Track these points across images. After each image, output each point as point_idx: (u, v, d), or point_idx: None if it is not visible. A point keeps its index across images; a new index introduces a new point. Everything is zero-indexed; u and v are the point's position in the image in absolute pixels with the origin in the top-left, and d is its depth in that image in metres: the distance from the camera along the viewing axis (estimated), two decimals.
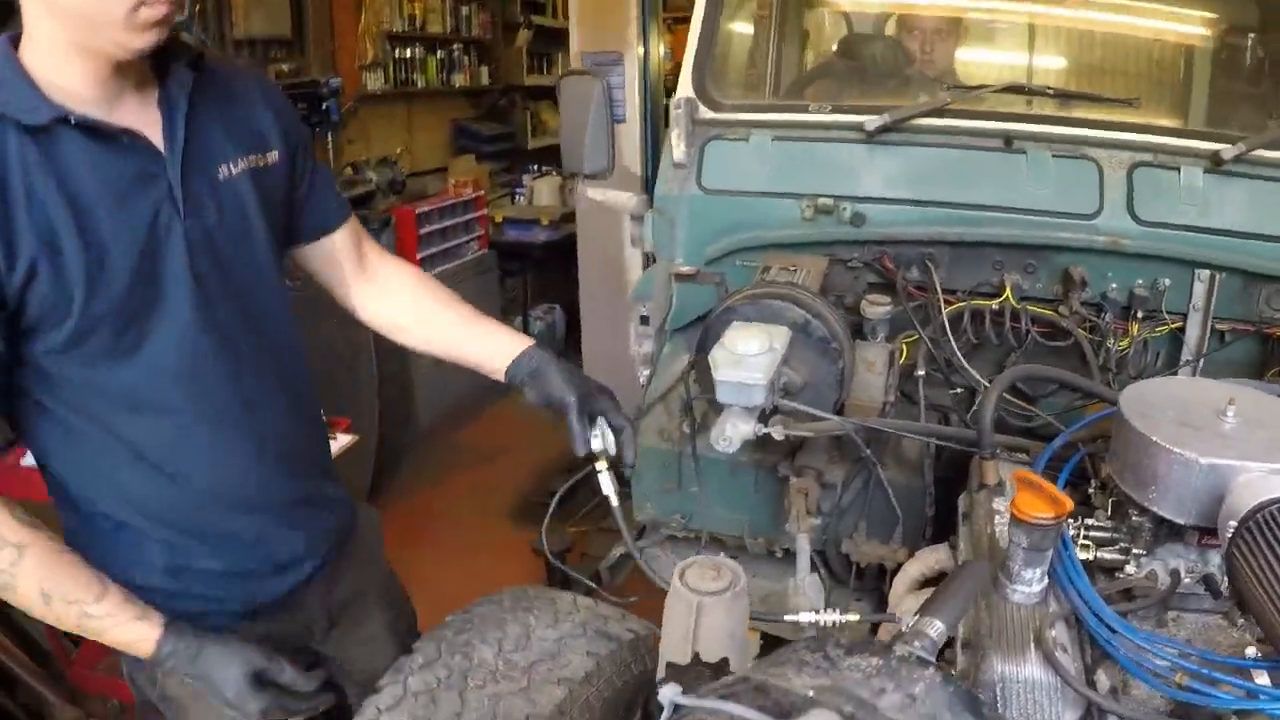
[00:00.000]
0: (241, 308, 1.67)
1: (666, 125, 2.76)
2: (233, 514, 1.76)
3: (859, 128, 2.55)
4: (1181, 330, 2.47)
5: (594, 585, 2.67)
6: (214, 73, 1.64)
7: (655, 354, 2.81)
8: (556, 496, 2.51)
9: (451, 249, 6.39)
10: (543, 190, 7.69)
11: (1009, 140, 2.52)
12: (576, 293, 5.83)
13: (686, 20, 2.97)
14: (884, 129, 2.53)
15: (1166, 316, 2.45)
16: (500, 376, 1.89)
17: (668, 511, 2.63)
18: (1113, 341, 2.41)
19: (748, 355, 1.93)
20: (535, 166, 8.05)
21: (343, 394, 5.03)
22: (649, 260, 2.94)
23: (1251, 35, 3.12)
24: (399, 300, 1.97)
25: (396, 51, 7.25)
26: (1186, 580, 1.56)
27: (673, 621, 1.48)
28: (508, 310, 7.21)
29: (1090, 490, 1.81)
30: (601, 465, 1.81)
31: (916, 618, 1.09)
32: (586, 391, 1.82)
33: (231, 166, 1.63)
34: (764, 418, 2.03)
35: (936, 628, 1.07)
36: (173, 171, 1.53)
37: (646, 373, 2.76)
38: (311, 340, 4.75)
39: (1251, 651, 1.38)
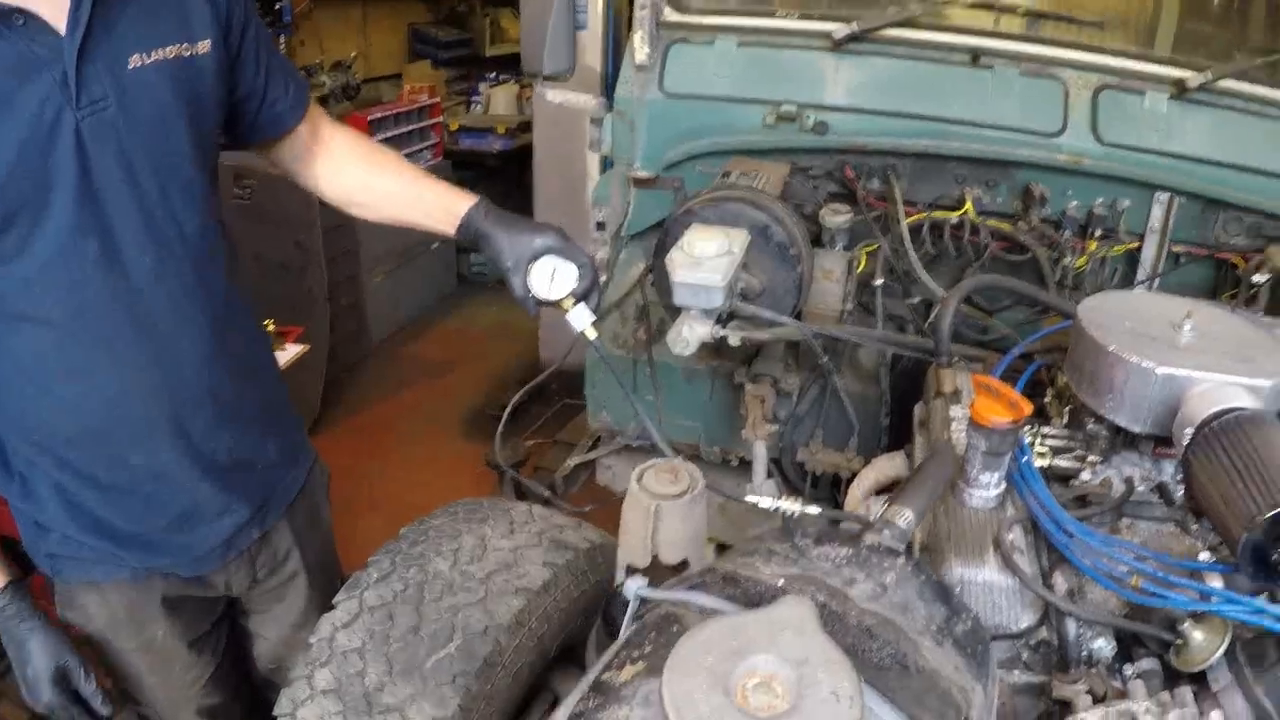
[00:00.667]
0: (146, 217, 1.50)
1: (629, 31, 2.70)
2: (126, 458, 1.61)
3: (826, 35, 2.52)
4: (1138, 251, 2.52)
5: (549, 494, 2.66)
6: None
7: (611, 260, 2.78)
8: (508, 409, 2.48)
9: (405, 157, 6.17)
10: (499, 99, 7.53)
11: (976, 56, 2.52)
12: (531, 203, 5.74)
13: None
14: (851, 38, 2.51)
15: (1124, 236, 2.50)
16: (452, 234, 1.84)
17: (623, 420, 2.62)
18: (1070, 258, 2.43)
19: (705, 257, 1.91)
20: (493, 75, 7.87)
21: (293, 304, 4.93)
22: (607, 165, 2.89)
23: None
24: (352, 171, 1.89)
25: None
26: (1140, 488, 1.60)
27: (631, 525, 1.47)
28: None
29: (1046, 400, 1.84)
30: (568, 303, 1.75)
31: (885, 506, 1.08)
32: (530, 252, 1.74)
33: (145, 56, 1.44)
34: (721, 321, 2.02)
35: (906, 517, 1.07)
36: (69, 57, 1.35)
37: (602, 279, 2.72)
38: (259, 249, 4.84)
39: (1205, 556, 1.40)
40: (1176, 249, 2.51)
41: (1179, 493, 1.57)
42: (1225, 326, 1.66)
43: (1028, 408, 1.48)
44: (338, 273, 5.31)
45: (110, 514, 1.64)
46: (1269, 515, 1.20)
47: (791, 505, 1.89)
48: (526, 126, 6.15)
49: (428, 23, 8.03)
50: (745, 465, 2.56)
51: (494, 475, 4.36)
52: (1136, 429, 1.57)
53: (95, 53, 1.39)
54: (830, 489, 2.54)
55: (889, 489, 2.13)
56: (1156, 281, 2.52)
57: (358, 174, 1.89)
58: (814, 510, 1.43)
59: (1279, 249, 2.40)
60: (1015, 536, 1.50)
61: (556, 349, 5.62)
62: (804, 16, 2.59)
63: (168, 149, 1.51)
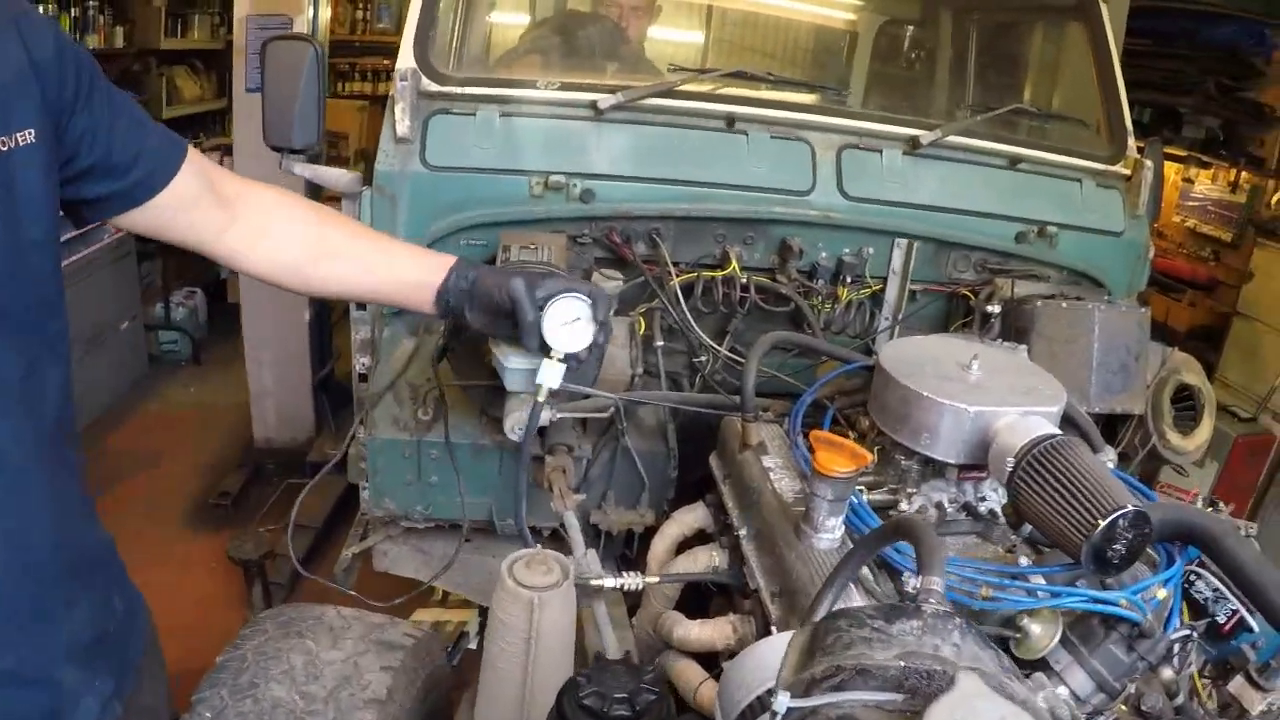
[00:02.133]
0: None
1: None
2: None
3: (591, 105, 2.57)
4: (882, 291, 2.78)
5: (350, 592, 2.53)
6: None
7: (375, 340, 2.68)
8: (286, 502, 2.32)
9: (85, 233, 5.54)
10: None
11: (731, 121, 2.67)
12: (218, 272, 5.31)
13: None
14: (616, 107, 2.57)
15: (869, 280, 2.73)
16: (428, 308, 1.67)
17: (408, 504, 2.52)
18: (834, 306, 2.62)
19: None
20: None
21: None
22: None
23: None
24: (283, 237, 1.64)
25: None
26: (950, 509, 1.79)
27: (509, 621, 1.43)
28: (146, 298, 6.66)
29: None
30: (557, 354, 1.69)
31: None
32: (539, 298, 1.65)
33: None
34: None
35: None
36: None
37: (364, 360, 2.63)
38: None
39: (1025, 561, 1.64)
40: (914, 287, 2.78)
41: (980, 508, 1.79)
42: (1002, 362, 1.88)
43: (868, 456, 1.61)
44: None
45: None
46: (1104, 523, 1.41)
47: (631, 579, 1.94)
48: None
49: None
50: (538, 536, 2.53)
51: (233, 570, 4.12)
52: (952, 460, 1.73)
53: None
54: (622, 544, 2.57)
55: (692, 541, 2.21)
56: (899, 319, 2.77)
57: (294, 240, 1.66)
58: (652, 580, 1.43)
59: (1005, 281, 2.71)
60: (866, 571, 1.60)
61: (270, 426, 5.45)
62: (565, 87, 2.61)
63: None
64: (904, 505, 1.78)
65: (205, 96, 7.93)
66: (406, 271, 1.71)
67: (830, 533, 1.66)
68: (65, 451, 1.39)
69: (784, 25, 3.61)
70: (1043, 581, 1.57)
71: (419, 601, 3.13)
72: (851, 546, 1.64)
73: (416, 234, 2.58)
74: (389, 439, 2.41)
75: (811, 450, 1.65)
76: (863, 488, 1.80)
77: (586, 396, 2.07)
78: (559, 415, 2.01)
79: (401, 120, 2.51)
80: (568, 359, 1.72)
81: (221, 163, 3.16)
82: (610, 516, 2.44)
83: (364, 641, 1.80)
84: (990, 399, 1.69)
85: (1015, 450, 1.58)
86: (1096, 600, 1.50)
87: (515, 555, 1.53)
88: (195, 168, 1.54)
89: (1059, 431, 1.63)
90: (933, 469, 1.81)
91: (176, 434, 5.84)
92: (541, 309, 1.68)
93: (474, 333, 1.90)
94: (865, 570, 1.59)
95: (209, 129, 8.01)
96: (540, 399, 1.76)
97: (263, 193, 1.67)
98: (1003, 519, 1.79)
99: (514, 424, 1.90)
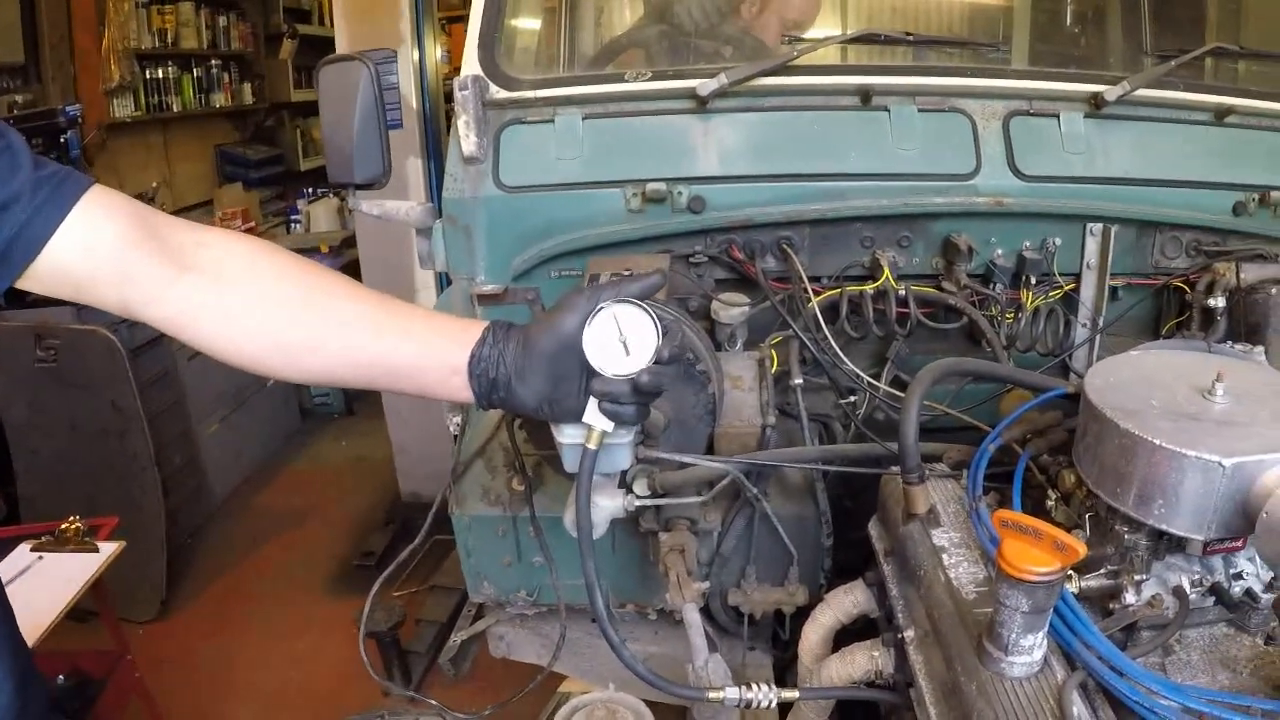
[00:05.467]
0: None
1: (450, 131, 2.26)
2: None
3: (690, 94, 2.14)
4: (1076, 292, 2.26)
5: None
6: None
7: None
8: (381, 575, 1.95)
9: None
10: (320, 215, 7.14)
11: (866, 96, 2.19)
12: None
13: (462, 19, 2.50)
14: (720, 94, 2.13)
15: (1059, 279, 2.23)
16: (461, 392, 1.29)
17: (509, 589, 2.15)
18: (1013, 315, 2.14)
19: None
20: (310, 190, 7.45)
21: (118, 475, 4.42)
22: (444, 281, 2.41)
23: None
24: (255, 305, 1.27)
25: (147, 72, 6.45)
26: (1192, 596, 1.32)
27: None
28: None
29: (1050, 503, 1.51)
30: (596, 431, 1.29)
31: None
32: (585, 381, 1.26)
33: None
34: (622, 479, 1.57)
35: None
36: None
37: (457, 419, 2.23)
38: (73, 416, 4.20)
39: None
40: (1114, 283, 2.26)
41: (1234, 589, 1.33)
42: (1252, 380, 1.39)
43: (1080, 549, 1.11)
44: (165, 430, 4.77)
45: None
46: None
47: (758, 693, 1.52)
48: (352, 241, 5.69)
49: (235, 142, 7.56)
50: (665, 615, 2.18)
51: (372, 641, 3.85)
52: (1200, 537, 1.24)
53: None
54: (771, 622, 2.15)
55: (853, 629, 1.80)
56: (1101, 326, 2.24)
57: (266, 309, 1.29)
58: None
59: (1227, 265, 2.18)
60: (1079, 710, 1.13)
61: (416, 480, 5.21)
62: (657, 76, 2.18)
63: None
64: (1129, 596, 1.30)
65: None
66: (426, 354, 1.30)
67: (1026, 654, 1.18)
68: None
69: (926, 5, 3.07)
70: None
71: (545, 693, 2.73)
72: (1063, 676, 1.16)
73: (499, 268, 2.23)
74: (479, 514, 2.09)
75: (997, 536, 1.16)
76: (1071, 573, 1.31)
77: (684, 465, 1.61)
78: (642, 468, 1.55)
79: (467, 136, 2.13)
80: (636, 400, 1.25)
81: None
82: (752, 597, 2.05)
83: None
84: (1252, 442, 1.19)
85: None
86: None
87: (574, 704, 1.10)
88: (107, 210, 1.21)
89: None
90: (1169, 543, 1.33)
91: (325, 490, 5.74)
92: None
93: None
94: (1082, 708, 1.13)
95: None
96: (592, 445, 1.29)
97: (230, 242, 1.30)
98: (1263, 601, 1.31)
99: (574, 517, 1.44)
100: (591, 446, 1.28)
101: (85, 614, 3.47)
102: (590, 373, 1.24)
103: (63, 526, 3.11)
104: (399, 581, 4.50)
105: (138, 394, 4.34)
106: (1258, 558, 1.32)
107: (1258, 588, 1.32)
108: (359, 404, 6.78)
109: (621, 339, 1.22)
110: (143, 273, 1.22)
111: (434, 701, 2.01)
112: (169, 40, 6.61)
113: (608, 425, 1.26)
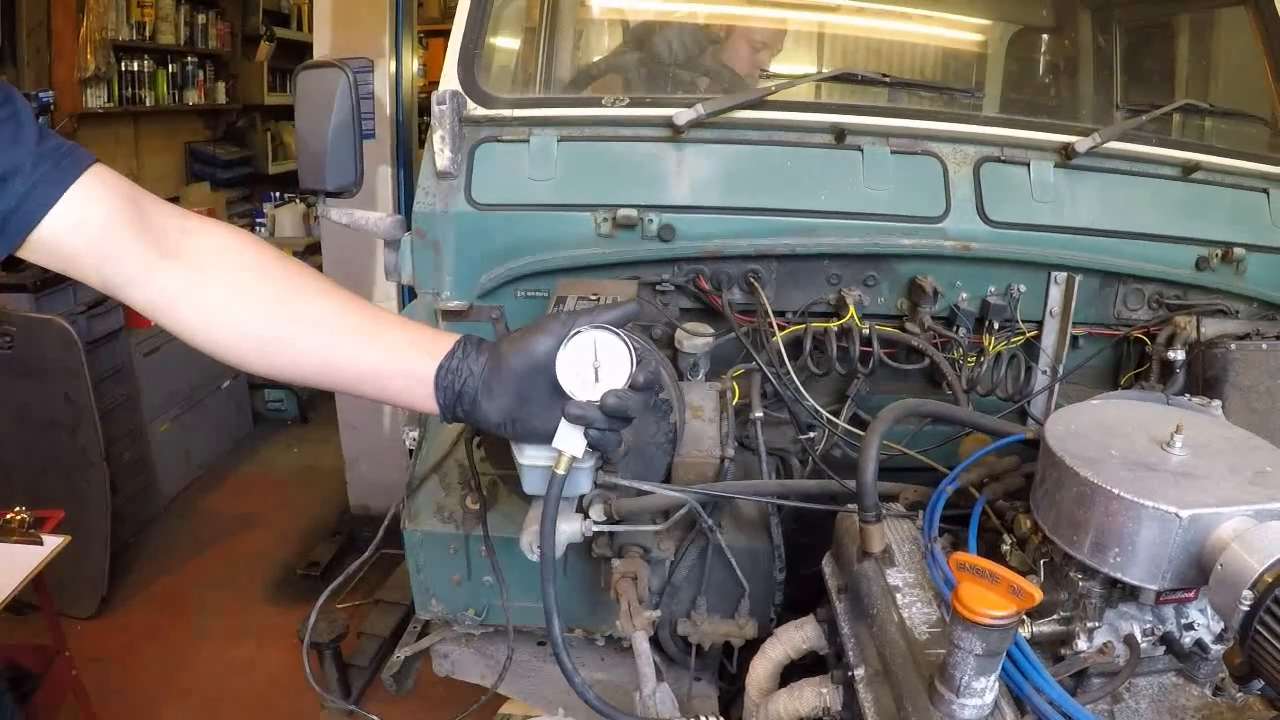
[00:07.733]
0: None
1: (422, 144, 2.25)
2: None
3: (666, 123, 2.14)
4: (1037, 339, 2.29)
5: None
6: None
7: (420, 414, 2.28)
8: (330, 586, 1.92)
9: None
10: (285, 220, 7.06)
11: (841, 134, 2.20)
12: None
13: (440, 34, 2.48)
14: (696, 124, 2.13)
15: (1022, 325, 2.26)
16: (426, 401, 1.28)
17: (457, 607, 2.12)
18: (974, 359, 2.14)
19: None
20: (277, 194, 7.38)
21: (67, 469, 4.33)
22: (408, 295, 2.39)
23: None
24: (232, 297, 1.28)
25: (123, 64, 6.34)
26: (1144, 644, 1.32)
27: None
28: None
29: (1005, 547, 1.51)
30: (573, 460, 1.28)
31: None
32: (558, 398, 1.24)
33: None
34: (580, 503, 1.56)
35: None
36: None
37: (414, 434, 2.20)
38: (24, 406, 4.12)
39: None
40: (1076, 332, 2.29)
41: (1185, 639, 1.33)
42: (1210, 434, 1.39)
43: (1036, 595, 1.10)
44: (117, 426, 4.72)
45: None
46: None
47: None
48: (316, 248, 5.62)
49: (205, 141, 7.47)
50: (611, 641, 2.15)
51: (313, 653, 3.79)
52: (1154, 586, 1.24)
53: None
54: (718, 654, 2.13)
55: (802, 664, 1.78)
56: (1061, 373, 2.26)
57: (242, 303, 1.29)
58: None
59: (1188, 319, 2.22)
60: None
61: (366, 492, 5.16)
62: (635, 103, 2.18)
63: None
64: (1080, 642, 1.30)
65: None
66: (395, 362, 1.29)
67: (978, 697, 1.16)
68: None
69: (901, 49, 3.10)
70: None
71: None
72: (1009, 716, 1.16)
73: (465, 285, 2.21)
74: (431, 530, 2.06)
75: (953, 578, 1.16)
76: (1024, 618, 1.30)
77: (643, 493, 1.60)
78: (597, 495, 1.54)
79: (442, 151, 2.11)
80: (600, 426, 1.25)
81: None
82: (702, 628, 2.02)
83: None
84: (1208, 494, 1.20)
85: (1253, 576, 1.09)
86: None
87: None
88: (103, 190, 1.22)
89: None
90: (1123, 591, 1.33)
91: (274, 497, 5.66)
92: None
93: None
94: None
95: None
96: (560, 470, 1.28)
97: (216, 233, 1.32)
98: (1213, 652, 1.31)
99: (531, 540, 1.43)
100: (560, 471, 1.27)
101: (25, 606, 3.43)
102: (560, 395, 1.23)
103: (8, 516, 3.04)
104: (343, 594, 4.44)
105: (91, 387, 4.27)
106: (1209, 609, 1.32)
107: (1208, 639, 1.32)
108: (313, 412, 6.70)
109: (595, 364, 1.21)
110: (126, 254, 1.23)
111: (374, 717, 1.98)
112: (147, 33, 6.52)
113: (578, 450, 1.25)
